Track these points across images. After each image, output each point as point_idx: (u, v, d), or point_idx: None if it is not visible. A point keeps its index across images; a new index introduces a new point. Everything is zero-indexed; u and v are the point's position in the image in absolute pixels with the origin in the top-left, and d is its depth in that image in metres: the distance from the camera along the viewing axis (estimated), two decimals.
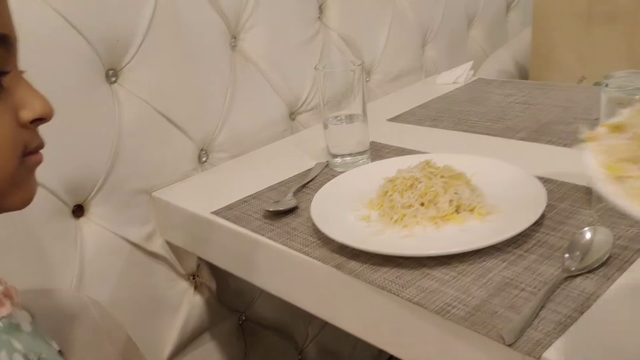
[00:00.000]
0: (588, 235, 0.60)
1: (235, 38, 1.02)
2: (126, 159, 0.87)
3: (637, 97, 0.63)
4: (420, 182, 0.72)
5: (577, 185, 0.74)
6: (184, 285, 0.98)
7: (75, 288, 0.83)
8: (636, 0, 1.13)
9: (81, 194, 0.84)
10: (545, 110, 1.03)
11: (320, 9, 1.16)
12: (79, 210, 0.85)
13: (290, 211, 0.78)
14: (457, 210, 0.70)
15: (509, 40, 1.57)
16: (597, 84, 1.11)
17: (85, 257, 0.85)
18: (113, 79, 0.86)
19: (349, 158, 0.90)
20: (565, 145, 0.88)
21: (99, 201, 0.86)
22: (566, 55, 1.22)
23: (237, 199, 0.84)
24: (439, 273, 0.60)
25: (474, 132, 0.98)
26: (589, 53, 1.20)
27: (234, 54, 1.02)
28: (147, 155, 0.90)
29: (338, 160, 0.90)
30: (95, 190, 0.85)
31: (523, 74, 1.44)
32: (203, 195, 0.89)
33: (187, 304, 0.98)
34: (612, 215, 0.66)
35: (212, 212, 0.81)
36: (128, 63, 0.86)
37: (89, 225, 0.85)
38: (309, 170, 0.91)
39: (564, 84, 1.17)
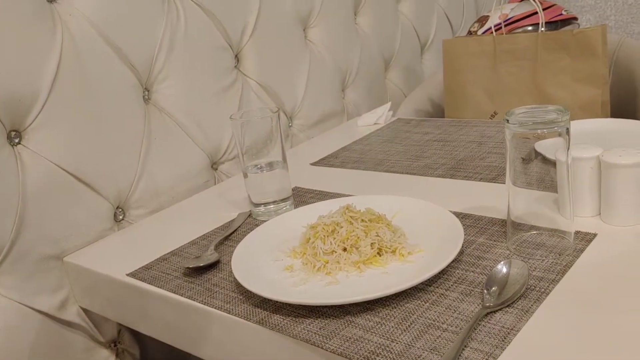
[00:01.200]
0: (504, 269, 0.60)
1: (148, 90, 1.00)
2: (33, 223, 0.82)
3: (538, 131, 0.66)
4: (342, 227, 0.72)
5: (493, 218, 0.76)
6: (105, 354, 0.92)
7: None
8: (536, 38, 1.20)
9: None
10: (461, 146, 1.06)
11: (237, 58, 1.16)
12: None
13: (212, 266, 0.75)
14: (379, 253, 0.69)
15: (425, 80, 1.63)
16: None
17: None
18: (16, 140, 0.81)
19: (271, 206, 0.88)
20: (480, 180, 0.90)
21: (4, 271, 0.80)
22: (477, 92, 1.28)
23: (156, 258, 0.80)
24: (362, 320, 0.59)
25: (395, 171, 1.00)
26: (497, 90, 1.26)
27: (147, 106, 0.99)
28: (56, 218, 0.85)
29: (260, 209, 0.89)
30: None
31: (439, 112, 1.49)
32: (119, 256, 0.85)
33: None
34: (527, 246, 0.67)
35: (128, 274, 0.77)
36: (32, 123, 0.82)
37: None
38: (232, 221, 0.88)
39: (477, 120, 1.22)
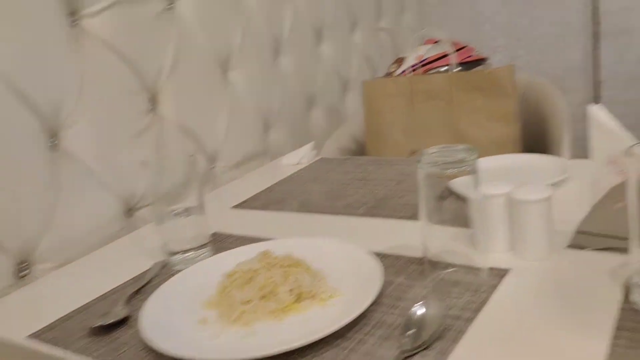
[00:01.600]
0: (421, 311, 0.60)
1: (55, 136, 0.95)
2: None
3: (448, 171, 0.67)
4: (259, 274, 0.69)
5: (412, 257, 0.76)
6: None
7: None
8: (449, 79, 1.25)
9: None
10: (381, 184, 1.07)
11: (153, 101, 1.13)
12: None
13: (121, 323, 0.70)
14: (298, 299, 0.67)
15: (348, 119, 1.66)
16: None
17: None
18: None
19: (188, 254, 0.85)
20: (400, 218, 0.91)
21: None
22: (395, 132, 1.31)
23: (60, 316, 0.74)
24: None
25: (317, 212, 0.99)
26: (415, 129, 1.29)
27: (54, 153, 0.94)
28: None
29: (177, 257, 0.85)
30: None
31: (363, 150, 1.51)
32: (20, 316, 0.78)
33: None
34: (444, 284, 0.67)
35: (28, 336, 0.71)
36: None
37: None
38: (146, 272, 0.84)
39: (397, 158, 1.24)
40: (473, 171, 0.67)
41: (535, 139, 1.44)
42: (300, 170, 1.26)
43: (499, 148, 1.21)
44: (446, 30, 2.41)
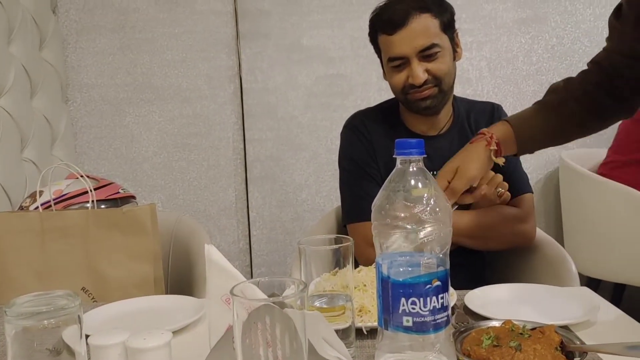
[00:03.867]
0: None
1: None
2: None
3: (45, 322, 0.57)
4: None
5: None
6: None
7: None
8: (87, 215, 1.16)
9: None
10: None
11: None
12: None
13: None
14: None
15: None
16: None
17: None
18: None
19: None
20: None
21: None
22: (23, 274, 1.14)
23: None
24: None
25: None
26: (47, 270, 1.14)
27: None
28: None
29: None
30: None
31: None
32: None
33: None
34: None
35: None
36: None
37: None
38: None
39: None
40: (76, 320, 0.59)
41: (184, 277, 1.43)
42: None
43: (140, 289, 1.15)
44: (105, 167, 2.37)
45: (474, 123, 1.36)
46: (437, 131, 1.35)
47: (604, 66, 1.03)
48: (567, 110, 1.07)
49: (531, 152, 1.15)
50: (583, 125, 1.08)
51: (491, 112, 1.38)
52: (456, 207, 1.13)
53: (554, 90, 1.10)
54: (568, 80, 1.09)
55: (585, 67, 1.08)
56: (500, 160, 1.10)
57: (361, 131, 1.35)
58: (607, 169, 2.18)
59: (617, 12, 1.00)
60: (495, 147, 1.08)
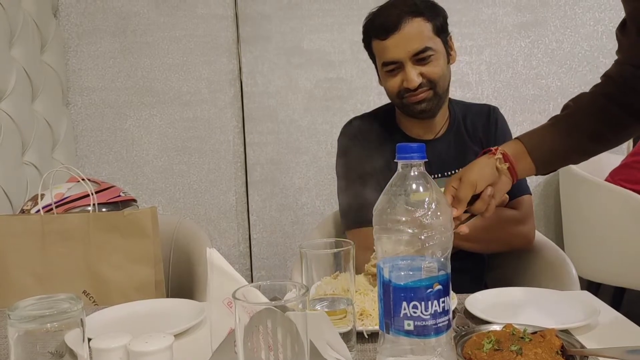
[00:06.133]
0: None
1: None
2: None
3: (48, 325, 0.57)
4: None
5: None
6: None
7: None
8: (88, 219, 1.16)
9: None
10: None
11: None
12: None
13: None
14: None
15: None
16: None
17: None
18: None
19: None
20: None
21: None
22: (23, 276, 1.14)
23: None
24: None
25: None
26: (47, 273, 1.15)
27: None
28: None
29: None
30: None
31: None
32: None
33: None
34: None
35: None
36: None
37: None
38: None
39: None
40: (78, 323, 0.59)
41: (185, 281, 1.44)
42: None
43: (140, 292, 1.15)
44: (105, 170, 2.37)
45: (470, 126, 1.36)
46: (434, 135, 1.35)
47: (615, 79, 1.02)
48: (579, 125, 1.05)
49: (552, 170, 1.12)
50: (597, 140, 1.06)
51: (487, 114, 1.38)
52: (472, 217, 1.08)
53: (567, 105, 1.09)
54: (580, 95, 1.08)
55: (598, 80, 1.07)
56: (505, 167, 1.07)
57: (357, 137, 1.35)
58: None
59: (622, 27, 0.99)
60: (501, 156, 1.06)
